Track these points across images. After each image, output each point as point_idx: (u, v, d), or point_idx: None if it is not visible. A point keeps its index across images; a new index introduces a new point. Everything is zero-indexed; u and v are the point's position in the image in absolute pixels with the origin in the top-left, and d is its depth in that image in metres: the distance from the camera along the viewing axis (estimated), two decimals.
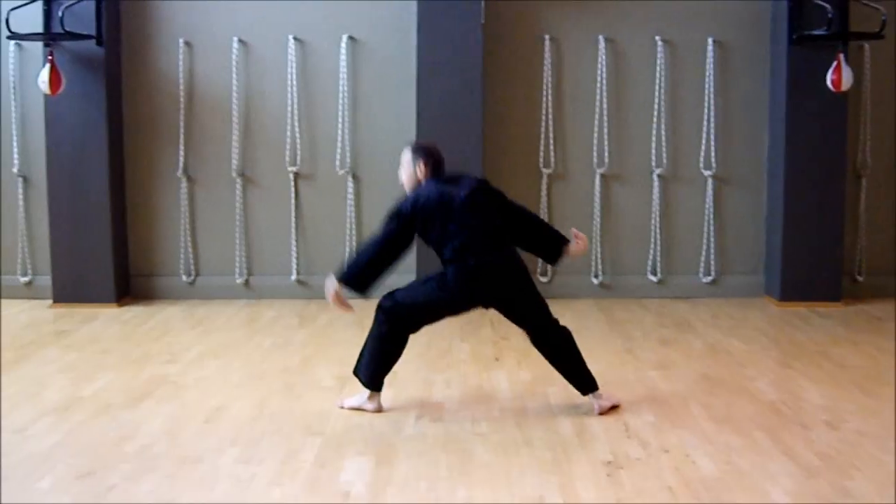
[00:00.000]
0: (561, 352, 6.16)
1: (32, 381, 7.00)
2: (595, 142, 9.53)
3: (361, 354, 6.23)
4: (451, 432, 5.79)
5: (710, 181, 9.56)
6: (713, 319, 8.76)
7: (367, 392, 6.18)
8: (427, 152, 6.21)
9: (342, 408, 6.21)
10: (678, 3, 9.47)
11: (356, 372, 6.23)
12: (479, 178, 6.43)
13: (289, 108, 9.54)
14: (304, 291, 9.64)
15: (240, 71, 9.55)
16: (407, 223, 5.98)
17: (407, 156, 6.18)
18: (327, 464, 5.31)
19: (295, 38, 9.50)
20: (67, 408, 6.36)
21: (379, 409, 6.16)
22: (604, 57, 9.46)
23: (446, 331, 8.24)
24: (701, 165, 9.56)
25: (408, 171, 6.17)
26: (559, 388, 6.58)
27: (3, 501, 4.82)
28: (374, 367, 6.15)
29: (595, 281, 9.63)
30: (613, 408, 6.16)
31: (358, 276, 6.06)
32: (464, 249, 5.88)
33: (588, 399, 6.16)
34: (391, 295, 6.15)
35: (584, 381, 6.17)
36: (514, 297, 6.05)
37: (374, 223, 9.39)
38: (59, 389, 6.79)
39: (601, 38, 9.44)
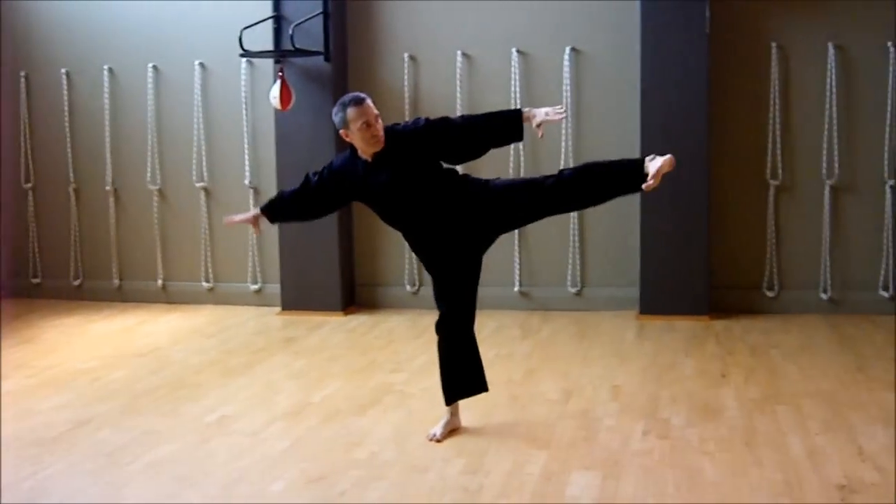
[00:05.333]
0: None
1: (263, 386, 7.24)
2: (824, 152, 9.23)
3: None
4: (678, 449, 5.69)
5: None
6: None
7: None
8: None
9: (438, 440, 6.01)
10: None
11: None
12: None
13: None
14: (525, 303, 9.67)
15: (464, 84, 9.65)
16: None
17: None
18: (553, 477, 5.30)
19: (518, 51, 9.54)
20: (298, 413, 6.54)
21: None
22: (833, 64, 9.16)
23: (670, 345, 8.17)
24: None
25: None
26: (788, 407, 6.43)
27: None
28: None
29: (823, 296, 9.33)
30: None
31: None
32: None
33: None
34: None
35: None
36: None
37: (596, 235, 9.46)
38: (289, 395, 7.00)
39: (830, 45, 9.14)
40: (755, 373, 7.32)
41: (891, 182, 9.15)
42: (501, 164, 9.51)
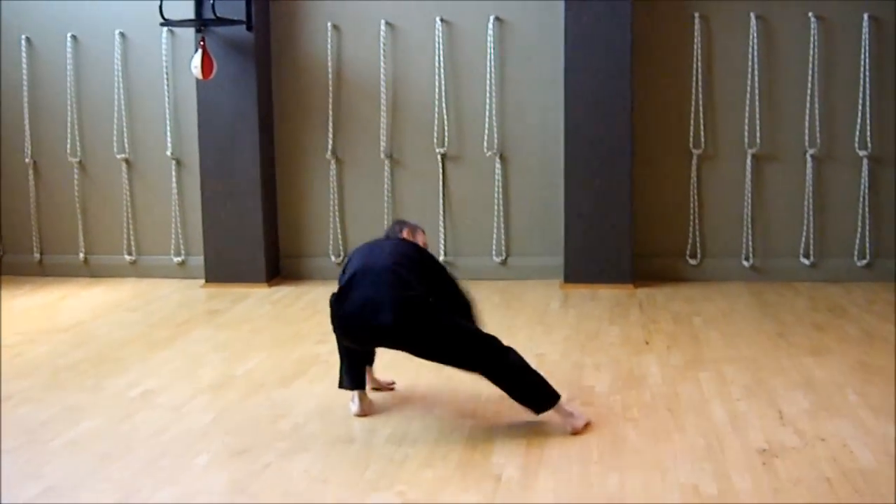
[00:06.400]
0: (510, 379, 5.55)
1: (187, 360, 7.17)
2: (746, 121, 9.34)
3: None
4: (602, 416, 5.73)
5: (865, 162, 9.26)
6: (868, 304, 8.51)
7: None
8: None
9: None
10: None
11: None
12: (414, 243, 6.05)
13: (436, 90, 9.57)
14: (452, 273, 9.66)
15: (387, 53, 9.61)
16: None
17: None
18: (479, 445, 5.31)
19: (442, 20, 9.51)
20: (222, 386, 6.49)
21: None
22: (755, 34, 9.25)
23: (594, 313, 8.23)
24: (856, 146, 9.27)
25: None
26: (711, 373, 6.51)
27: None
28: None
29: (745, 263, 9.45)
30: (587, 426, 5.56)
31: None
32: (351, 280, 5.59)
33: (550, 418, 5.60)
34: None
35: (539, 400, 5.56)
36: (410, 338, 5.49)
37: (521, 204, 9.50)
38: (213, 368, 6.94)
39: (752, 14, 9.23)
40: (678, 340, 7.40)
41: (811, 151, 9.28)
42: (425, 136, 9.53)
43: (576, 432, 5.48)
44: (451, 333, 5.48)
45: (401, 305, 5.35)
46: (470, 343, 5.49)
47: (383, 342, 5.58)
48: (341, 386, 5.93)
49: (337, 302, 5.58)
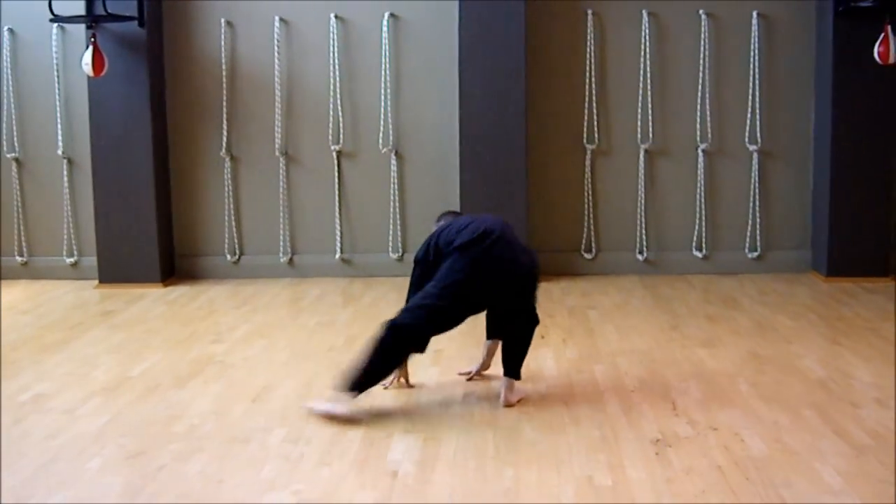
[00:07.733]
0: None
1: (80, 362, 7.05)
2: (639, 116, 9.47)
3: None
4: (498, 410, 5.78)
5: (755, 156, 9.46)
6: (760, 295, 8.69)
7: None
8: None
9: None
10: None
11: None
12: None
13: (331, 87, 9.54)
14: (347, 270, 9.66)
15: (282, 50, 9.55)
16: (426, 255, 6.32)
17: None
18: (375, 442, 5.31)
19: (336, 17, 9.49)
20: (116, 388, 6.40)
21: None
22: (647, 30, 9.38)
23: None
24: (746, 140, 9.46)
25: None
26: (605, 366, 6.59)
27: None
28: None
29: (640, 257, 9.58)
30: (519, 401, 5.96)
31: None
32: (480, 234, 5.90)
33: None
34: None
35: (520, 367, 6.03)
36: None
37: (417, 201, 9.52)
38: (107, 370, 6.83)
39: (644, 11, 9.36)
40: (574, 333, 7.48)
41: (703, 146, 9.44)
42: (320, 133, 9.50)
43: (508, 405, 5.86)
44: (535, 291, 6.08)
45: (532, 254, 6.08)
46: (533, 306, 6.05)
47: (513, 279, 5.89)
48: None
49: (479, 241, 5.85)
